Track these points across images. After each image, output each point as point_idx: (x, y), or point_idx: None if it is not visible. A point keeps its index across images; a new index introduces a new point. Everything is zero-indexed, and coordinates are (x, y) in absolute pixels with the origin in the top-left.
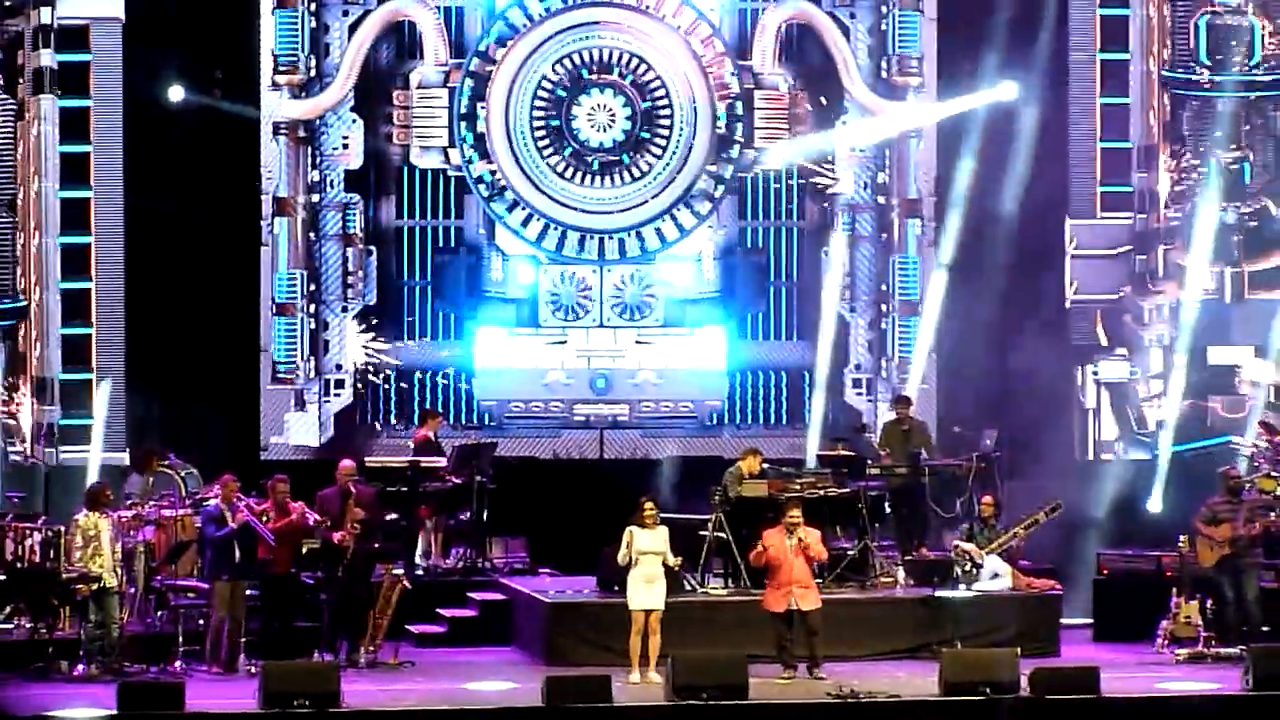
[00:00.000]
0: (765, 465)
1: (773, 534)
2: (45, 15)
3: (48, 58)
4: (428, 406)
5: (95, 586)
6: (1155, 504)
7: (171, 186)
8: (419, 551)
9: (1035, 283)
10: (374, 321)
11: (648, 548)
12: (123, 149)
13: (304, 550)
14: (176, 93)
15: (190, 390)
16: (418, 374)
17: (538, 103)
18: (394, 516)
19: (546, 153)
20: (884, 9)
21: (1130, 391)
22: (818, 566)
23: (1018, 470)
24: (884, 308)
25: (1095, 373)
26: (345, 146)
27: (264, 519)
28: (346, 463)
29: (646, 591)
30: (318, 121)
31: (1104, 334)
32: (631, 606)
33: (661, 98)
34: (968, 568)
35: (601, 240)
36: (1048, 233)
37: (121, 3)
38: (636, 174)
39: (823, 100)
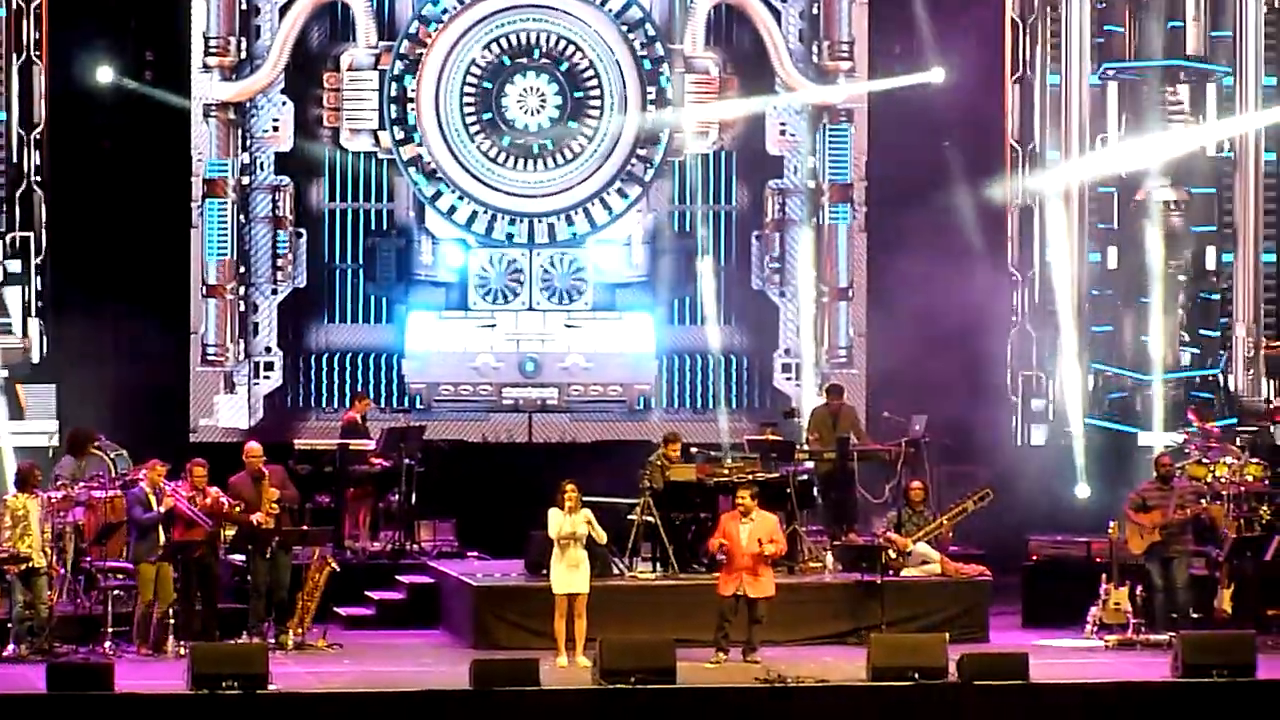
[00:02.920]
0: (694, 449)
1: (729, 517)
2: None
3: None
4: (356, 389)
5: (24, 567)
6: (1082, 490)
7: (100, 167)
8: (346, 534)
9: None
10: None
11: (568, 531)
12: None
13: (223, 534)
14: (105, 74)
15: (120, 372)
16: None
17: (468, 86)
18: (325, 499)
19: (476, 136)
20: None
21: None
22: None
23: (948, 455)
24: (813, 293)
25: None
26: (275, 129)
27: (191, 503)
28: (253, 445)
29: (569, 575)
30: (248, 104)
31: None
32: (555, 590)
33: (591, 81)
34: (894, 556)
35: (531, 224)
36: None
37: None
38: (566, 157)
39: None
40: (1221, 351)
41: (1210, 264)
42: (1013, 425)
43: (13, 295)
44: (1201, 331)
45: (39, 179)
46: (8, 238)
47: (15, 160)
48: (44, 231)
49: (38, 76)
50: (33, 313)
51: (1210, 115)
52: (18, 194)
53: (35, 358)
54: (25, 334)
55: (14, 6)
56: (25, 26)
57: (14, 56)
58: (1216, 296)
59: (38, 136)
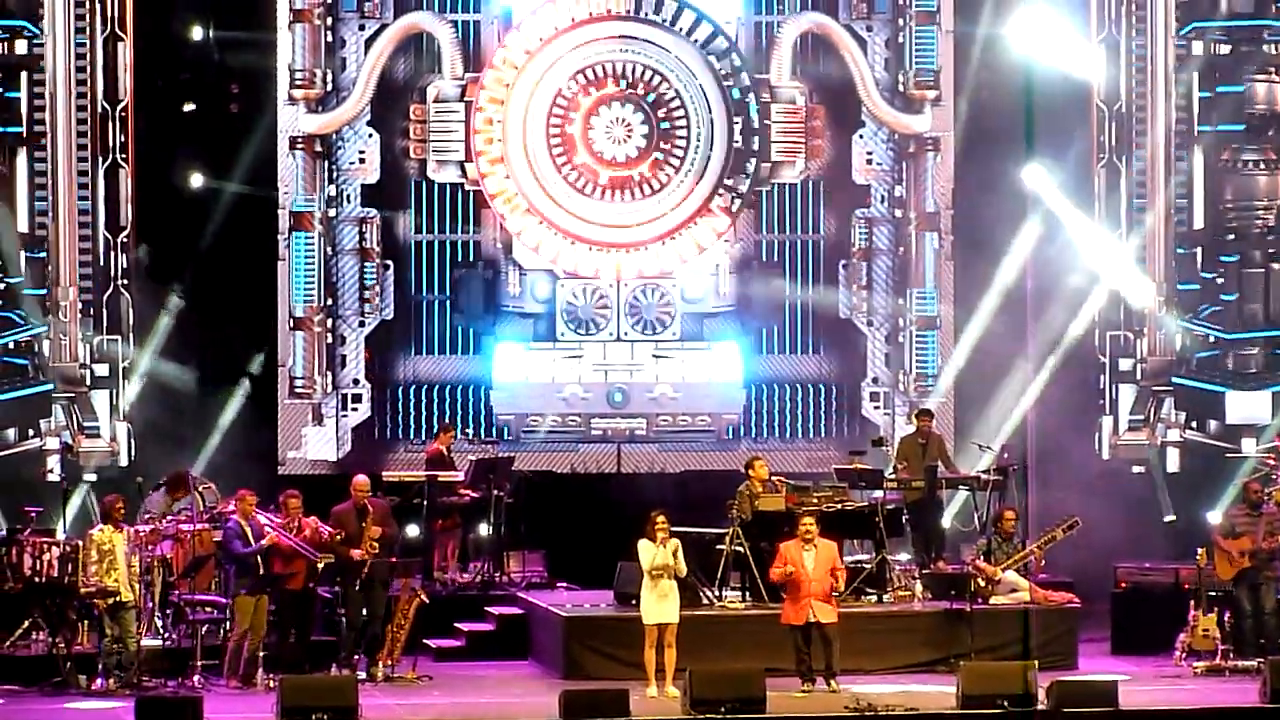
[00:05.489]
0: (783, 481)
1: (790, 546)
2: None
3: None
4: (443, 421)
5: (111, 601)
6: (1170, 516)
7: (188, 194)
8: (435, 566)
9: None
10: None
11: (660, 562)
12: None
13: (320, 565)
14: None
15: (207, 403)
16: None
17: (554, 116)
18: (415, 531)
19: (563, 167)
20: (901, 22)
21: None
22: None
23: (1036, 483)
24: (901, 322)
25: None
26: (362, 160)
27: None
28: (361, 478)
29: (659, 605)
30: (334, 136)
31: None
32: (645, 621)
33: (678, 111)
34: (983, 584)
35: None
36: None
37: None
38: (653, 188)
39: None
40: None
41: None
42: (1097, 441)
43: (100, 399)
44: None
45: (125, 283)
46: (94, 341)
47: (103, 264)
48: (132, 336)
49: (124, 180)
50: (121, 416)
51: None
52: (105, 297)
53: (124, 460)
54: (113, 438)
55: (99, 110)
56: (111, 128)
57: (100, 160)
58: None
59: (124, 240)
